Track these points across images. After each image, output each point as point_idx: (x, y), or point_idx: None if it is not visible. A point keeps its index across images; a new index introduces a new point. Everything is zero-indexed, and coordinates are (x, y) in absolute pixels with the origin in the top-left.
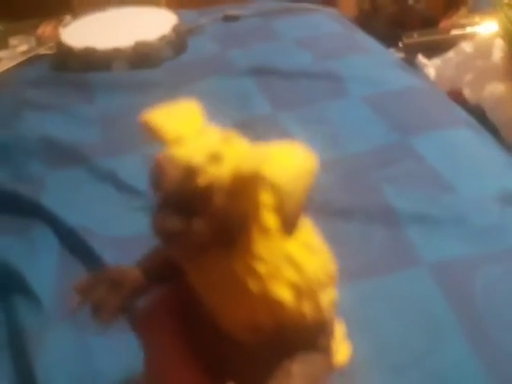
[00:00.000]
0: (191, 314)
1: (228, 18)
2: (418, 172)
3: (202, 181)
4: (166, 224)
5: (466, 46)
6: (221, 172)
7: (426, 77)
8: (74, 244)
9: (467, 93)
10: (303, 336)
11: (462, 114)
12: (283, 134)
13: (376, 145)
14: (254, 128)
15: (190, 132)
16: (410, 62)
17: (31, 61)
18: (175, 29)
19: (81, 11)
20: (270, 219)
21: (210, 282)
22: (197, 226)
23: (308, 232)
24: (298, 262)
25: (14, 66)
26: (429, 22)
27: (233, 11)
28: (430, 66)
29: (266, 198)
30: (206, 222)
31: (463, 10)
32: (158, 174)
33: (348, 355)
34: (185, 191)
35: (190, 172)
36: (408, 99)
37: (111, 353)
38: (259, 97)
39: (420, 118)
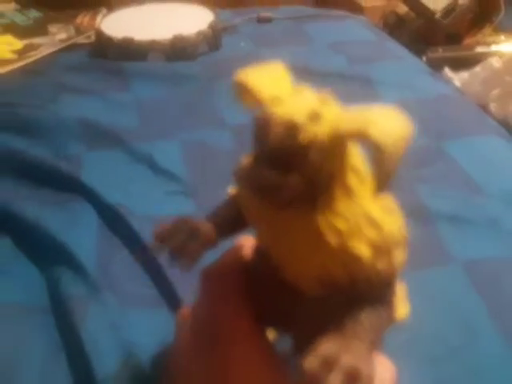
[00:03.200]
0: (257, 268)
1: (261, 20)
2: (451, 174)
3: (303, 138)
4: (265, 177)
5: (494, 62)
6: (319, 130)
7: (455, 87)
8: (112, 219)
9: (494, 107)
10: (373, 290)
11: (492, 122)
12: None
13: (409, 147)
14: None
15: (285, 92)
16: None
17: (70, 48)
18: (211, 26)
19: (117, 5)
20: (352, 180)
21: (287, 235)
22: (292, 181)
23: (386, 196)
24: (377, 221)
25: (53, 53)
26: (453, 39)
27: (266, 13)
28: (457, 80)
29: (350, 160)
30: (300, 178)
31: (488, 29)
32: (261, 129)
33: (406, 312)
34: (286, 147)
35: (293, 129)
36: (439, 106)
37: (148, 326)
38: None
39: (452, 124)
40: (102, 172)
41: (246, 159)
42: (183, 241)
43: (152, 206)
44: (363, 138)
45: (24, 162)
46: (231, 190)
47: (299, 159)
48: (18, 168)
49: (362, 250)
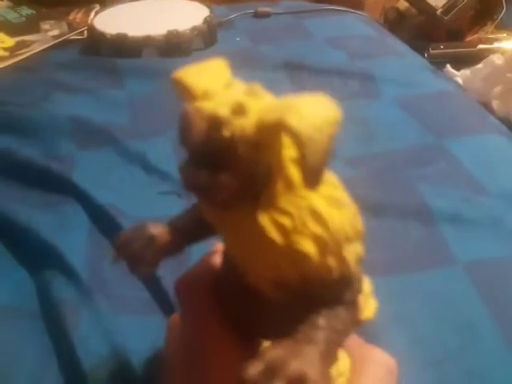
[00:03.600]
0: (224, 274)
1: (259, 15)
2: (453, 173)
3: (226, 132)
4: (194, 177)
5: (496, 59)
6: (246, 123)
7: (457, 83)
8: (103, 221)
9: (496, 105)
10: (329, 290)
11: (494, 120)
12: None
13: (410, 144)
14: None
15: (217, 86)
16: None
17: (62, 45)
18: (206, 21)
19: (111, 1)
20: (294, 173)
21: (237, 236)
22: (223, 179)
23: (333, 186)
24: (323, 215)
25: (46, 49)
26: (455, 35)
27: (264, 8)
28: (458, 77)
29: (290, 151)
30: (232, 175)
31: (490, 26)
32: (184, 124)
33: (374, 311)
34: (211, 142)
35: (215, 123)
36: (441, 103)
37: (141, 331)
38: (291, 89)
39: (454, 121)
40: (94, 172)
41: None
42: (139, 248)
43: (144, 207)
44: (282, 128)
45: (15, 163)
46: None
47: (228, 155)
48: (9, 168)
49: (309, 246)
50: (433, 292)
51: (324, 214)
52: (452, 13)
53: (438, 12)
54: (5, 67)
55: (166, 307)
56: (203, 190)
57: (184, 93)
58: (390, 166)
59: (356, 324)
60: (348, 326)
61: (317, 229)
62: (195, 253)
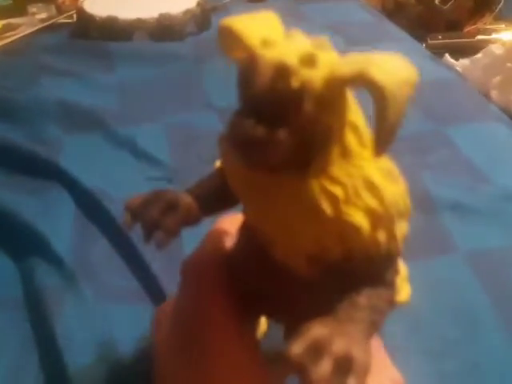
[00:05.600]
0: (243, 250)
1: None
2: (455, 161)
3: (294, 82)
4: (250, 130)
5: (496, 49)
6: (315, 75)
7: (457, 71)
8: (90, 206)
9: (495, 95)
10: (372, 267)
11: (494, 109)
12: None
13: (411, 132)
14: None
15: (276, 36)
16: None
17: (50, 28)
18: (200, 4)
19: None
20: (351, 139)
21: (276, 205)
22: (282, 136)
23: (387, 159)
24: (378, 187)
25: (33, 33)
26: (453, 26)
27: None
28: (458, 67)
29: (350, 115)
30: (291, 134)
31: (488, 17)
32: (247, 72)
33: (409, 295)
34: (275, 93)
35: (283, 72)
36: (441, 90)
37: (127, 320)
38: None
39: (454, 109)
40: (82, 157)
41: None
42: (159, 214)
43: (132, 191)
44: (364, 81)
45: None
46: (218, 162)
47: (291, 109)
48: None
49: (361, 219)
50: (434, 280)
51: (379, 186)
52: (450, 3)
53: (437, 1)
54: None
55: (155, 295)
56: (258, 146)
57: (235, 42)
58: (390, 153)
59: (393, 305)
60: (387, 306)
61: (371, 201)
62: (186, 238)
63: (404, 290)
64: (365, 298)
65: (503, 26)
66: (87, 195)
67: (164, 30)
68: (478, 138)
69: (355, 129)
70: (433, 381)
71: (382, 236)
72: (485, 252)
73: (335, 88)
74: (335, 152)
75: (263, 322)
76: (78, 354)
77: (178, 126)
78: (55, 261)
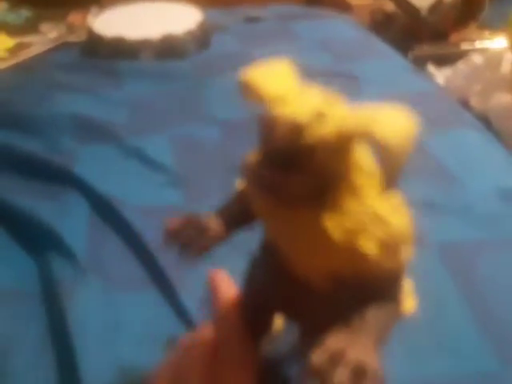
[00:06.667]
0: (264, 262)
1: (249, 19)
2: (427, 166)
3: (308, 138)
4: (266, 176)
5: (476, 58)
6: (326, 130)
7: (435, 83)
8: (104, 209)
9: (474, 102)
10: (380, 287)
11: (469, 117)
12: None
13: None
14: None
15: (290, 91)
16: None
17: (61, 47)
18: (201, 25)
19: (108, 4)
20: (359, 178)
21: (294, 233)
22: (295, 181)
23: (393, 193)
24: (384, 218)
25: (45, 52)
26: (439, 35)
27: (254, 13)
28: (440, 76)
29: (358, 158)
30: (304, 177)
31: (472, 25)
32: (267, 129)
33: (413, 307)
34: (291, 147)
35: (298, 130)
36: (419, 102)
37: (135, 308)
38: None
39: (430, 118)
40: (95, 165)
41: (251, 156)
42: (192, 236)
43: (143, 196)
44: (369, 138)
45: (18, 156)
46: (239, 183)
47: (305, 159)
48: (12, 162)
49: (370, 247)
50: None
51: (386, 217)
52: (436, 14)
53: (422, 13)
54: (6, 68)
55: (160, 284)
56: (274, 190)
57: (252, 94)
58: None
59: (398, 318)
60: (392, 321)
61: (379, 231)
62: None
63: (408, 303)
64: (374, 314)
65: (487, 34)
66: (100, 199)
67: (168, 49)
68: (451, 145)
69: (363, 170)
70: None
71: (388, 262)
72: (454, 245)
73: (343, 141)
74: (346, 190)
75: (279, 322)
76: (89, 340)
77: (182, 136)
78: (69, 256)
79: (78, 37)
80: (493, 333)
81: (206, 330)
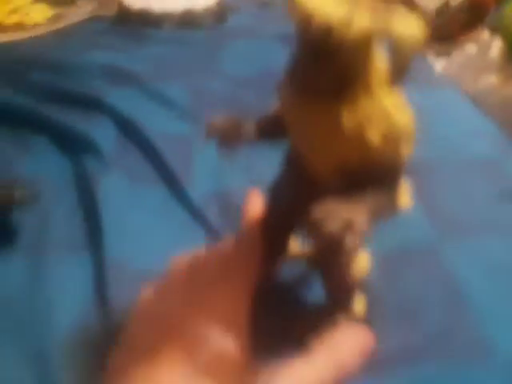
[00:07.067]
0: (286, 171)
1: (263, 4)
2: None
3: (337, 36)
4: (303, 65)
5: (469, 47)
6: (351, 31)
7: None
8: (129, 130)
9: (466, 86)
10: (382, 174)
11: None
12: None
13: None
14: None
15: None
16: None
17: (94, 19)
18: (218, 3)
19: None
20: (373, 79)
21: (312, 127)
22: (325, 72)
23: (398, 96)
24: (389, 114)
25: (80, 22)
26: (446, 37)
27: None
28: (437, 65)
29: (375, 61)
30: (331, 71)
31: (479, 28)
32: (306, 27)
33: (408, 203)
34: (320, 45)
35: (329, 30)
36: None
37: (151, 199)
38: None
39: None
40: (121, 102)
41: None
42: (229, 133)
43: (160, 126)
44: (388, 34)
45: (55, 90)
46: (274, 104)
47: (333, 55)
48: (51, 94)
49: (374, 138)
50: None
51: (390, 113)
52: (443, 17)
53: (430, 15)
54: (45, 33)
55: (166, 177)
56: (307, 81)
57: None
58: None
59: (394, 208)
60: (387, 204)
61: (383, 125)
62: None
63: (405, 199)
64: (370, 191)
65: (486, 33)
66: (127, 122)
67: (188, 21)
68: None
69: (377, 72)
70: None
71: (389, 152)
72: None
73: (365, 42)
74: (360, 88)
75: (294, 245)
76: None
77: (197, 85)
78: (100, 156)
79: (110, 11)
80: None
81: (226, 244)
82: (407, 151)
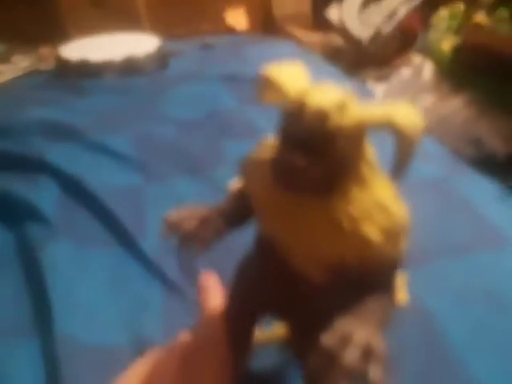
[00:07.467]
0: (262, 260)
1: (205, 46)
2: None
3: (332, 125)
4: (293, 158)
5: (405, 72)
6: (346, 119)
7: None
8: (72, 186)
9: None
10: (381, 274)
11: None
12: (247, 122)
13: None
14: (223, 117)
15: (308, 86)
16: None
17: (32, 74)
18: (159, 49)
19: (75, 38)
20: (365, 170)
21: (300, 221)
22: (316, 163)
23: (393, 186)
24: (387, 207)
25: (17, 78)
26: (382, 61)
27: (209, 40)
28: (378, 90)
29: (365, 152)
30: (322, 163)
31: (410, 52)
32: (295, 116)
33: (405, 298)
34: (315, 133)
35: (324, 116)
36: None
37: (102, 263)
38: (227, 95)
39: None
40: (63, 157)
41: (255, 153)
42: (195, 228)
43: (106, 179)
44: (391, 127)
45: None
46: (234, 184)
47: (325, 145)
48: None
49: (374, 234)
50: None
51: (388, 206)
52: (376, 44)
53: (364, 44)
54: None
55: (122, 240)
56: (297, 171)
57: (273, 91)
58: None
59: (393, 308)
60: (390, 309)
61: (382, 219)
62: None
63: (401, 294)
64: (373, 302)
65: (419, 57)
66: (70, 179)
67: (129, 68)
68: None
69: (369, 162)
70: None
71: (389, 247)
72: None
73: (361, 130)
74: (353, 179)
75: (259, 335)
76: (63, 287)
77: (141, 133)
78: (41, 219)
79: (48, 66)
80: None
81: (184, 338)
82: (405, 245)
